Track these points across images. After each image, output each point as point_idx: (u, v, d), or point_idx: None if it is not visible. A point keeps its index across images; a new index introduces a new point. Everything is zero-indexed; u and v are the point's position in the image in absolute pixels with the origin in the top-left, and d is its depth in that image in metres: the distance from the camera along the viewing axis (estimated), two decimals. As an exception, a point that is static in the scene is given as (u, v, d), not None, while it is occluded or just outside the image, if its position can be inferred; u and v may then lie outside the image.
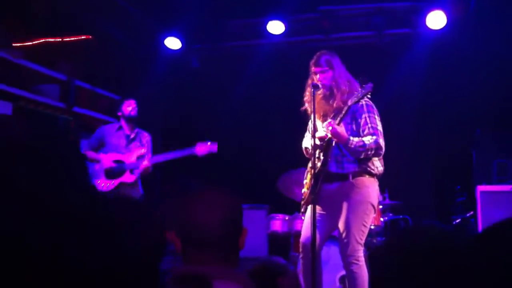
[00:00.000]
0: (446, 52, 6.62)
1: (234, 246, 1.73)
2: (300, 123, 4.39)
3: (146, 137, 5.65)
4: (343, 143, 3.83)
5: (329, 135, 3.82)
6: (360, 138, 3.87)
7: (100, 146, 5.52)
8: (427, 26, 6.40)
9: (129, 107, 5.53)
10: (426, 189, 6.73)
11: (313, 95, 3.91)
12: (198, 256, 1.68)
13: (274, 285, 2.38)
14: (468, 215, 5.51)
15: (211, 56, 7.65)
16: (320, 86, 3.98)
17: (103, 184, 5.41)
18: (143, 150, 5.50)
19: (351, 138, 3.83)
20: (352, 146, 3.82)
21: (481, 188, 5.31)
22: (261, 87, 7.43)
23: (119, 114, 5.58)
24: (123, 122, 5.58)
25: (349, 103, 3.82)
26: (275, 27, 6.81)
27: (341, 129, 3.79)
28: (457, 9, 6.27)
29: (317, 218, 3.79)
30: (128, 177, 5.40)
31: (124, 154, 5.44)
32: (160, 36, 7.18)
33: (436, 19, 6.29)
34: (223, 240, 1.68)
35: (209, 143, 5.34)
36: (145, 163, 5.35)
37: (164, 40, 7.16)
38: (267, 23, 6.81)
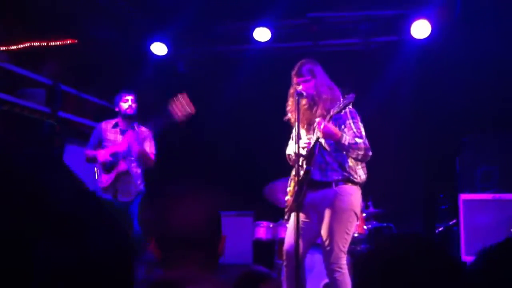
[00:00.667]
0: (431, 60, 6.66)
1: (212, 252, 1.73)
2: (286, 130, 4.40)
3: (144, 132, 5.41)
4: (336, 139, 3.83)
5: (320, 135, 3.83)
6: (351, 137, 3.90)
7: (99, 144, 5.39)
8: (412, 35, 6.43)
9: (125, 104, 5.33)
10: (410, 197, 6.75)
11: (298, 104, 3.92)
12: (175, 261, 1.67)
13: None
14: (451, 223, 5.53)
15: (198, 61, 7.64)
16: (304, 94, 3.99)
17: (104, 180, 5.25)
18: (135, 138, 5.28)
19: (344, 135, 3.85)
20: (346, 142, 3.84)
21: (463, 196, 5.32)
22: (248, 93, 7.42)
23: (116, 109, 5.41)
24: (119, 119, 5.40)
25: (331, 113, 3.84)
26: (261, 34, 6.81)
27: (332, 126, 3.81)
28: (442, 17, 6.31)
29: (301, 225, 3.80)
30: (121, 166, 5.19)
31: (119, 145, 5.28)
32: (147, 41, 7.16)
33: (420, 28, 6.33)
34: (200, 245, 1.68)
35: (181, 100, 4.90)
36: (137, 147, 5.13)
37: (150, 45, 7.14)
38: (254, 28, 6.80)
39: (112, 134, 5.35)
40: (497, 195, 5.19)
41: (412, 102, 6.80)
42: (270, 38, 6.85)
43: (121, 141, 5.28)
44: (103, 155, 5.28)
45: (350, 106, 3.89)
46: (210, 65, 7.62)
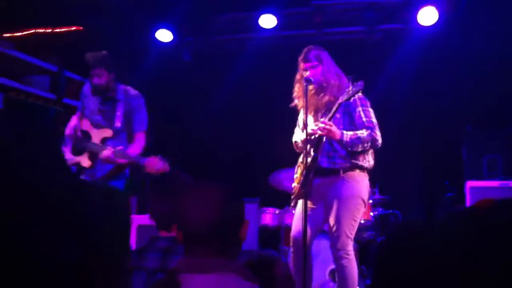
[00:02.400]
0: (437, 48, 6.64)
1: (233, 238, 1.75)
2: (291, 117, 4.41)
3: (134, 99, 4.60)
4: (337, 138, 3.85)
5: (320, 133, 3.84)
6: (354, 131, 3.91)
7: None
8: (418, 22, 6.41)
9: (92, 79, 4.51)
10: (416, 184, 6.77)
11: (306, 90, 3.93)
12: (196, 248, 1.70)
13: (270, 274, 2.40)
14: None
15: (203, 49, 7.62)
16: (312, 80, 3.99)
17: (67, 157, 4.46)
18: (109, 133, 4.47)
19: (345, 132, 3.87)
20: (348, 140, 3.86)
21: (470, 183, 5.35)
22: (253, 81, 7.42)
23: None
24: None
25: (340, 100, 3.85)
26: (267, 21, 6.79)
27: (333, 127, 3.82)
28: (449, 5, 6.29)
29: (308, 212, 3.82)
30: (84, 160, 4.43)
31: (94, 128, 4.53)
32: (151, 28, 7.14)
33: (427, 15, 6.30)
34: (218, 232, 1.70)
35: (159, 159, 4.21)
36: (106, 153, 4.25)
37: (155, 32, 7.12)
38: (259, 16, 6.79)
39: (92, 101, 4.59)
40: (504, 182, 5.22)
41: (417, 89, 6.79)
42: (276, 25, 6.83)
43: (98, 130, 4.51)
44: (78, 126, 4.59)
45: (360, 94, 3.89)
46: (215, 53, 7.61)
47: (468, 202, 5.28)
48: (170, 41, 7.23)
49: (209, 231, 1.69)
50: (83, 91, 4.74)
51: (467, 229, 0.97)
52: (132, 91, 4.68)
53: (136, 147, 4.52)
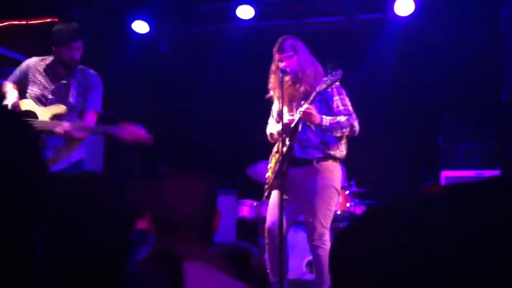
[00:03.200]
0: (414, 38, 6.66)
1: (207, 228, 1.76)
2: (269, 109, 4.39)
3: (91, 78, 4.25)
4: (316, 123, 3.85)
5: (299, 117, 3.83)
6: (333, 117, 3.91)
7: (20, 83, 4.20)
8: (395, 12, 6.41)
9: (70, 51, 4.11)
10: (394, 174, 6.79)
11: (281, 81, 3.91)
12: (171, 237, 1.69)
13: (244, 266, 2.39)
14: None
15: (181, 40, 7.57)
16: (288, 71, 3.97)
17: None
18: (62, 109, 4.04)
19: (324, 117, 3.87)
20: (328, 124, 3.86)
21: (445, 173, 5.37)
22: (231, 72, 7.38)
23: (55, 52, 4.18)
24: (59, 65, 4.20)
25: (318, 89, 3.84)
26: (245, 11, 6.73)
27: (314, 110, 3.82)
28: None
29: (275, 202, 3.83)
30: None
31: (41, 105, 4.08)
32: (128, 19, 7.06)
33: (404, 6, 6.30)
34: (196, 221, 1.71)
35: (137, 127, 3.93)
36: (65, 125, 3.85)
37: (131, 23, 7.04)
38: (236, 7, 6.73)
39: (43, 77, 4.18)
40: (480, 172, 5.23)
41: (394, 80, 6.80)
42: (254, 16, 6.79)
43: (45, 107, 4.08)
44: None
45: (337, 83, 3.88)
46: (193, 44, 7.55)
47: (443, 192, 5.29)
48: (147, 32, 7.15)
49: (188, 220, 1.69)
50: (29, 66, 4.23)
51: (414, 213, 0.95)
52: (90, 71, 4.33)
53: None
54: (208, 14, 7.22)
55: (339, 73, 3.78)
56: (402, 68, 6.78)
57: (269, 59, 4.22)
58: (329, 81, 3.79)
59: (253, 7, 6.72)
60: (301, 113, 3.80)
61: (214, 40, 7.40)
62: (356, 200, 5.80)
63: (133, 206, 1.31)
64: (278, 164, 3.91)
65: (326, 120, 3.88)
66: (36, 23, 6.93)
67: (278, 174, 3.88)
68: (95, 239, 1.15)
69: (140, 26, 7.07)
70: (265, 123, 4.39)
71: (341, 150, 4.04)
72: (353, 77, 5.88)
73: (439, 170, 5.50)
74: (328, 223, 3.92)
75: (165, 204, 1.70)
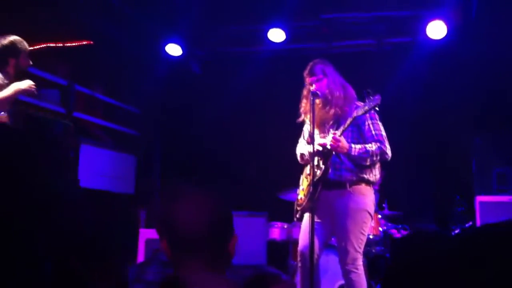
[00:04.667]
0: (446, 61, 6.64)
1: (222, 252, 1.69)
2: (299, 132, 4.40)
3: None
4: (344, 152, 3.85)
5: (329, 147, 3.83)
6: (362, 144, 3.89)
7: None
8: (427, 35, 6.40)
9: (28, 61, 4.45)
10: (426, 198, 6.72)
11: (313, 103, 3.92)
12: (185, 261, 1.65)
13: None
14: (467, 225, 5.50)
15: (212, 62, 7.67)
16: (319, 94, 3.99)
17: None
18: None
19: (353, 146, 3.86)
20: (356, 154, 3.85)
21: (480, 198, 5.30)
22: (262, 94, 7.43)
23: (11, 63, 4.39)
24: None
25: (355, 114, 3.83)
26: (276, 35, 6.80)
27: (343, 141, 3.82)
28: (457, 18, 6.28)
29: (315, 226, 3.80)
30: None
31: None
32: (161, 42, 7.19)
33: (436, 29, 6.30)
34: (209, 244, 1.65)
35: None
36: None
37: (165, 46, 7.16)
38: (267, 30, 6.80)
39: None
40: (514, 197, 5.17)
41: (425, 102, 6.78)
42: (285, 39, 6.85)
43: None
44: None
45: (377, 110, 3.83)
46: (224, 66, 7.64)
47: (478, 217, 5.23)
48: (180, 55, 7.26)
49: (198, 240, 1.63)
50: None
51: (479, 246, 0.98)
52: None
53: None
54: (239, 37, 7.30)
55: (377, 98, 3.74)
56: (433, 91, 6.74)
57: (299, 82, 4.25)
58: (367, 106, 3.76)
59: (284, 30, 6.78)
60: (330, 145, 3.81)
61: (245, 62, 7.48)
62: (389, 224, 5.75)
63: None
64: (311, 187, 3.90)
65: (355, 149, 3.86)
66: (72, 45, 7.10)
67: (311, 196, 3.88)
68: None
69: (173, 49, 7.18)
70: (295, 145, 4.40)
71: (375, 174, 4.02)
72: (384, 100, 5.88)
73: (472, 195, 5.42)
74: (361, 247, 3.88)
75: (175, 225, 1.65)
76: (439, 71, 6.71)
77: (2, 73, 4.31)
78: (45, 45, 6.87)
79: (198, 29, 7.08)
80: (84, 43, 7.01)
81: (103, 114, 7.28)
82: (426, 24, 6.34)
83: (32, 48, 6.79)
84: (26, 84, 4.28)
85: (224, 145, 7.63)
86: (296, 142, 4.39)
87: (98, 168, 6.71)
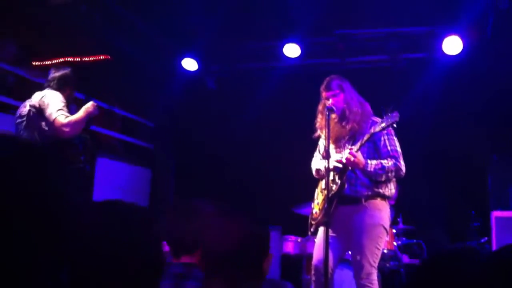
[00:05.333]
0: (462, 77, 6.62)
1: (254, 269, 1.70)
2: (314, 146, 4.41)
3: None
4: (360, 168, 3.85)
5: (345, 161, 3.84)
6: (378, 160, 3.89)
7: None
8: (443, 51, 6.40)
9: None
10: (441, 213, 6.67)
11: (328, 118, 3.94)
12: (217, 276, 1.66)
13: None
14: (482, 240, 5.46)
15: (228, 77, 7.72)
16: (334, 109, 4.01)
17: None
18: None
19: (369, 161, 3.86)
20: (372, 170, 3.85)
21: (496, 213, 5.27)
22: (277, 109, 7.46)
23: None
24: None
25: (372, 130, 3.84)
26: (291, 50, 6.85)
27: (359, 156, 3.82)
28: (473, 34, 6.28)
29: (329, 240, 3.79)
30: None
31: None
32: (177, 57, 7.26)
33: (452, 45, 6.29)
34: (240, 262, 1.66)
35: None
36: None
37: (181, 61, 7.24)
38: (283, 45, 6.85)
39: None
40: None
41: (442, 118, 6.76)
42: (300, 54, 6.89)
43: None
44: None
45: (394, 127, 3.83)
46: (239, 82, 7.69)
47: (493, 233, 5.19)
48: (196, 70, 7.33)
49: (229, 258, 1.65)
50: None
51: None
52: None
53: None
54: (254, 52, 7.36)
55: (395, 115, 3.74)
56: (449, 107, 6.73)
57: (315, 97, 4.27)
58: (384, 123, 3.76)
59: (299, 46, 6.83)
60: (346, 160, 3.82)
61: (260, 77, 7.52)
62: (403, 238, 5.72)
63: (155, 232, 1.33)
64: (326, 202, 3.91)
65: (371, 165, 3.87)
66: (89, 60, 7.19)
67: (326, 211, 3.88)
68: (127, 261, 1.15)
69: (190, 64, 7.26)
70: (309, 160, 4.41)
71: (390, 189, 4.02)
72: (399, 115, 5.88)
73: (489, 210, 5.39)
74: (376, 262, 3.87)
75: (206, 241, 1.69)
76: (454, 87, 6.69)
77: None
78: (62, 59, 6.97)
79: (213, 44, 7.15)
80: (101, 57, 7.11)
81: (119, 128, 7.35)
82: (442, 40, 6.34)
83: (49, 62, 6.91)
84: (92, 105, 4.72)
85: (238, 159, 7.66)
86: (311, 157, 4.40)
87: (114, 181, 6.76)
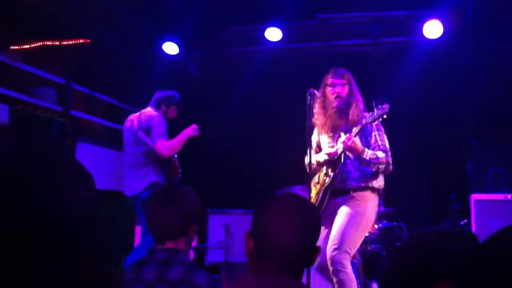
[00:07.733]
0: (442, 61, 6.66)
1: (302, 262, 1.73)
2: (298, 128, 4.40)
3: None
4: (358, 154, 3.86)
5: (341, 148, 3.85)
6: (373, 151, 3.93)
7: None
8: (423, 35, 6.43)
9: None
10: (421, 197, 6.75)
11: (309, 103, 3.94)
12: (267, 265, 1.67)
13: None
14: (462, 223, 5.54)
15: (209, 62, 7.67)
16: (317, 95, 4.01)
17: None
18: None
19: (366, 149, 3.88)
20: (368, 158, 3.87)
21: (475, 196, 5.33)
22: (260, 93, 7.45)
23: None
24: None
25: (364, 122, 3.85)
26: (273, 34, 6.82)
27: (358, 142, 3.84)
28: (454, 18, 6.31)
29: (324, 235, 3.84)
30: None
31: None
32: (158, 41, 7.20)
33: (432, 29, 6.32)
34: (292, 253, 1.67)
35: None
36: None
37: (162, 45, 7.18)
38: (265, 30, 6.82)
39: None
40: (509, 195, 5.20)
41: (423, 102, 6.80)
42: (281, 38, 6.87)
43: None
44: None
45: (384, 118, 3.84)
46: (221, 66, 7.65)
47: (473, 215, 5.26)
48: (177, 54, 7.27)
49: (284, 250, 1.66)
50: None
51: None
52: None
53: None
54: (236, 36, 7.32)
55: (385, 107, 3.75)
56: (429, 91, 6.77)
57: (296, 80, 4.27)
58: (376, 114, 3.78)
59: (281, 29, 6.80)
60: (343, 143, 3.81)
61: (242, 62, 7.49)
62: (384, 221, 5.78)
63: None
64: (320, 195, 3.95)
65: (368, 153, 3.89)
66: (69, 44, 7.11)
67: (321, 204, 3.93)
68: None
69: (170, 48, 7.20)
70: (292, 144, 4.41)
71: (378, 181, 4.06)
72: (380, 99, 5.91)
73: (468, 193, 5.46)
74: (353, 250, 3.87)
75: (265, 231, 1.68)
76: (435, 71, 6.73)
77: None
78: (41, 43, 6.87)
79: (194, 28, 7.09)
80: (80, 41, 7.02)
81: (100, 112, 7.28)
82: (423, 24, 6.37)
83: (28, 46, 6.82)
84: (193, 128, 5.40)
85: (222, 145, 7.65)
86: (293, 141, 4.40)
87: (96, 167, 6.71)
